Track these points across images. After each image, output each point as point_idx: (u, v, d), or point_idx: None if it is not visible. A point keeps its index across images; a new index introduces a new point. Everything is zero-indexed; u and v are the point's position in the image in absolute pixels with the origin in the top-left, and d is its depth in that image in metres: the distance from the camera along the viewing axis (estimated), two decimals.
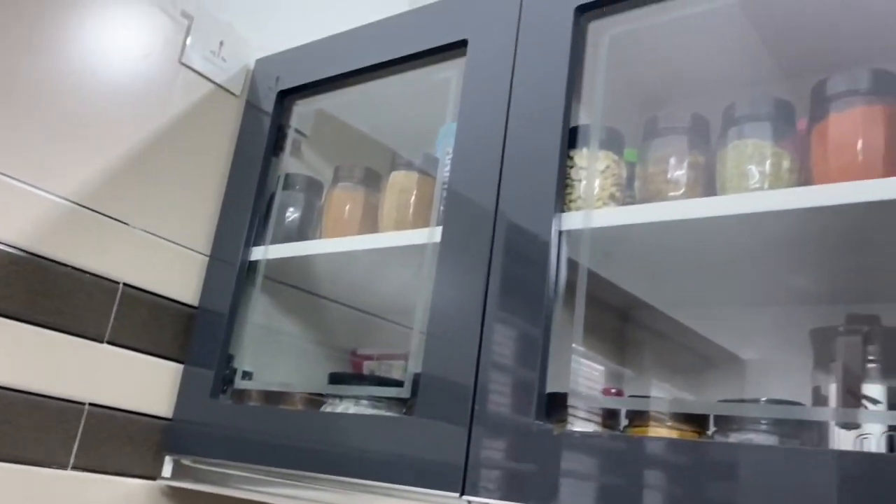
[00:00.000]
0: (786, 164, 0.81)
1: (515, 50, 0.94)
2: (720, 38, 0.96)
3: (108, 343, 1.07)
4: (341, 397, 1.00)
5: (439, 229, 0.94)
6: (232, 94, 1.26)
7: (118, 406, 1.08)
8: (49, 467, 1.00)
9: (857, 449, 0.67)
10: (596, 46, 0.92)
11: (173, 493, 1.13)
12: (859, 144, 0.75)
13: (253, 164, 1.21)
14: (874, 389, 0.68)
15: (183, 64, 1.19)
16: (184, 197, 1.18)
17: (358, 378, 1.09)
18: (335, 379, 1.05)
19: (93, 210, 1.06)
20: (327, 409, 1.02)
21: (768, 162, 0.80)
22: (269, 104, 1.24)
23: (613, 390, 1.02)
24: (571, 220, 0.85)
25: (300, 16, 1.41)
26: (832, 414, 0.68)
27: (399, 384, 0.95)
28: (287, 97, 1.24)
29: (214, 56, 1.23)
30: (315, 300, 1.31)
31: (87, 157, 1.06)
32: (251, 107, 1.26)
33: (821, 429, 0.72)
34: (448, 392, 0.84)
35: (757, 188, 0.79)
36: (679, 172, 0.86)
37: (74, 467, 1.02)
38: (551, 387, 0.80)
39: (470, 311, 0.86)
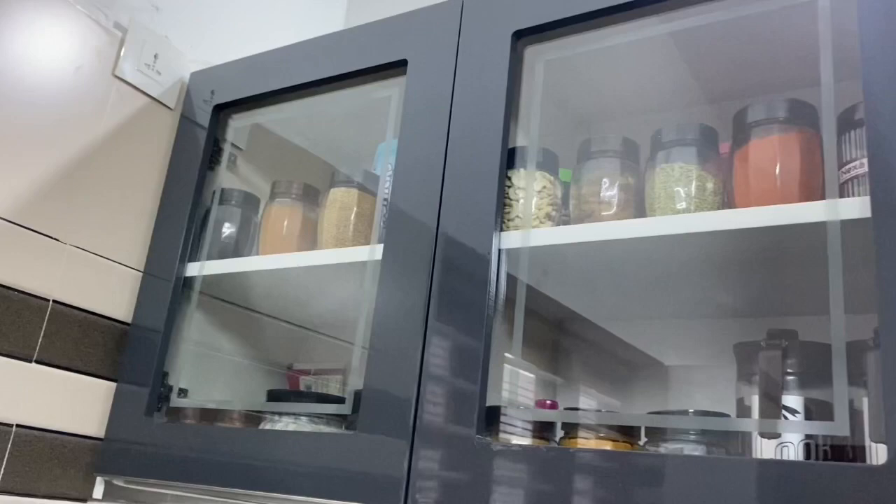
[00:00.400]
0: (710, 186, 0.85)
1: (455, 71, 0.97)
2: (649, 65, 1.00)
3: (37, 362, 1.04)
4: (280, 414, 1.00)
5: (380, 247, 0.95)
6: (166, 107, 1.25)
7: (47, 427, 1.05)
8: None
9: (777, 457, 0.72)
10: (532, 70, 0.95)
11: None
12: (777, 169, 0.80)
13: (188, 178, 1.20)
14: (792, 400, 0.73)
15: (116, 77, 1.17)
16: (116, 212, 1.16)
17: (296, 395, 1.09)
18: (274, 396, 1.05)
19: (21, 226, 1.04)
20: (266, 426, 1.02)
21: (694, 184, 0.85)
22: (204, 118, 1.23)
23: (548, 402, 1.05)
24: (510, 239, 0.88)
25: (236, 29, 1.41)
26: (755, 425, 0.72)
27: (340, 400, 0.96)
28: (223, 111, 1.23)
29: (149, 69, 1.22)
30: (250, 316, 1.31)
31: (16, 171, 1.03)
32: (186, 120, 1.24)
33: (744, 438, 0.77)
34: (390, 407, 0.85)
35: (684, 209, 0.84)
36: (611, 193, 0.90)
37: (2, 491, 0.99)
38: (489, 399, 0.83)
39: (411, 328, 0.87)
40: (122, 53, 1.18)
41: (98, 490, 1.08)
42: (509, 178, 0.93)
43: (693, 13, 0.87)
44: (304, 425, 1.00)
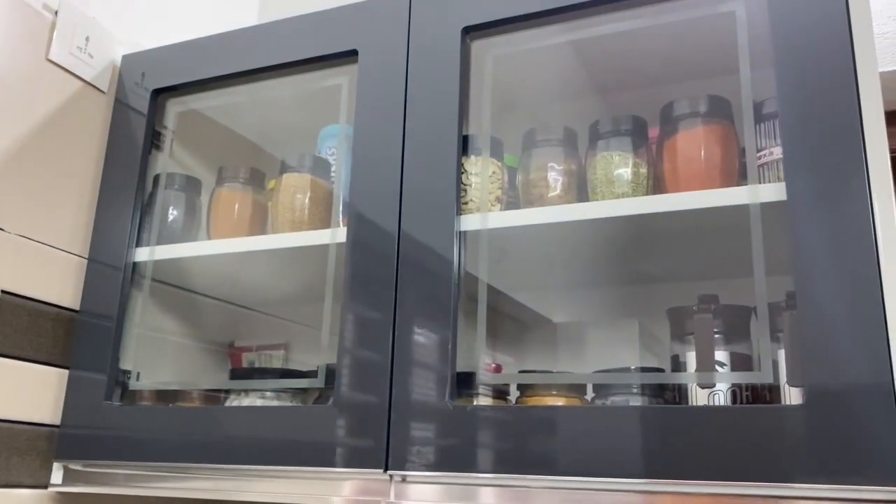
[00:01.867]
0: (643, 171, 0.97)
1: (407, 63, 1.03)
2: (569, 61, 1.11)
3: None
4: (248, 391, 1.05)
5: (342, 230, 1.01)
6: (99, 90, 1.24)
7: (1, 416, 1.05)
8: None
9: (710, 403, 0.85)
10: (481, 64, 1.03)
11: (64, 499, 1.12)
12: (702, 157, 0.93)
13: (127, 162, 1.20)
14: (720, 355, 0.86)
15: (49, 60, 1.15)
16: (57, 198, 1.15)
17: (263, 371, 1.14)
18: (238, 374, 1.09)
19: None
20: (233, 404, 1.06)
21: (630, 170, 0.96)
22: (136, 101, 1.23)
23: (493, 365, 1.16)
24: (469, 222, 0.96)
25: (163, 8, 1.40)
26: (695, 377, 0.85)
27: (305, 375, 1.01)
28: (161, 95, 1.24)
29: (81, 52, 1.20)
30: (192, 297, 1.33)
31: None
32: (120, 104, 1.24)
33: (680, 389, 0.90)
34: (365, 379, 0.93)
35: (623, 193, 0.95)
36: (556, 178, 1.00)
37: None
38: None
39: (381, 304, 0.94)
40: (54, 36, 1.16)
41: (57, 476, 1.09)
42: (461, 165, 1.01)
43: (622, 17, 0.98)
44: (269, 401, 1.05)
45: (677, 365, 0.91)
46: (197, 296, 1.34)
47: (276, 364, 1.38)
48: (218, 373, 1.39)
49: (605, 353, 1.16)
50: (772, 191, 0.83)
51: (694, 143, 0.94)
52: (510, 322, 1.28)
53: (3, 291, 1.06)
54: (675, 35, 1.02)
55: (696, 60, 1.06)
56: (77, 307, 1.16)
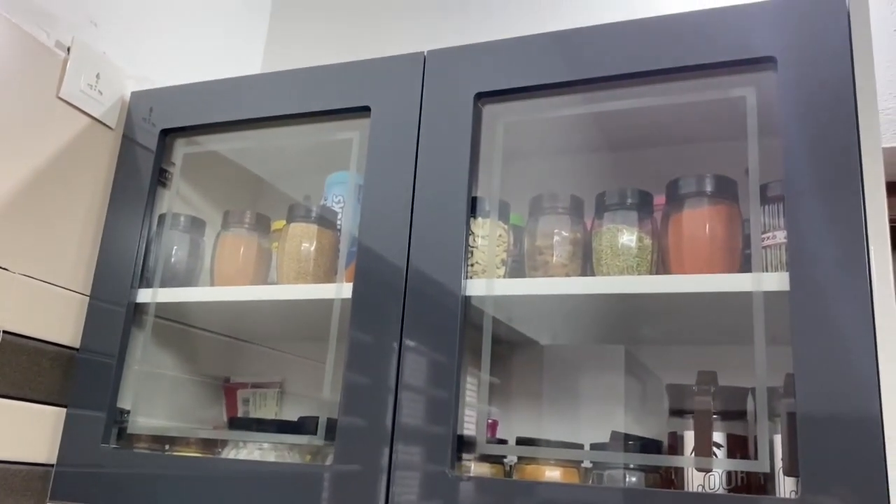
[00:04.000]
0: (647, 243, 0.98)
1: (419, 123, 1.04)
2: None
3: None
4: (245, 442, 1.05)
5: (348, 286, 1.02)
6: (108, 127, 1.24)
7: None
8: None
9: (705, 482, 0.87)
10: (492, 128, 1.04)
11: None
12: (706, 237, 0.94)
13: (133, 200, 1.20)
14: (718, 436, 0.88)
15: (60, 98, 1.16)
16: (61, 236, 1.15)
17: (261, 423, 1.14)
18: (237, 424, 1.09)
19: None
20: (231, 453, 1.07)
21: (635, 243, 0.97)
22: (144, 137, 1.23)
23: (490, 421, 1.17)
24: (475, 287, 0.97)
25: (173, 45, 1.40)
26: (693, 462, 0.87)
27: (311, 431, 1.02)
28: (169, 135, 1.24)
29: (91, 89, 1.20)
30: (190, 331, 1.33)
31: None
32: (128, 140, 1.24)
33: (678, 467, 0.91)
34: (366, 441, 0.93)
35: (628, 265, 0.96)
36: (562, 246, 1.01)
37: None
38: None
39: (385, 365, 0.95)
40: (65, 74, 1.16)
41: None
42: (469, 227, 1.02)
43: (633, 94, 0.99)
44: (267, 452, 1.06)
45: (675, 441, 0.92)
46: (195, 330, 1.34)
47: (271, 402, 1.39)
48: (213, 408, 1.40)
49: (590, 378, 1.18)
50: (775, 280, 0.85)
51: (699, 222, 0.95)
52: (496, 343, 1.29)
53: (6, 332, 1.06)
54: (685, 110, 1.04)
55: (706, 132, 1.08)
56: (77, 345, 1.16)
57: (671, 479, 0.92)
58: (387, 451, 0.92)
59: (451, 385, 0.92)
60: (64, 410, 1.13)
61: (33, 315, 1.10)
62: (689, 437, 0.89)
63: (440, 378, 0.93)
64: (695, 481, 0.88)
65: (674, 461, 0.90)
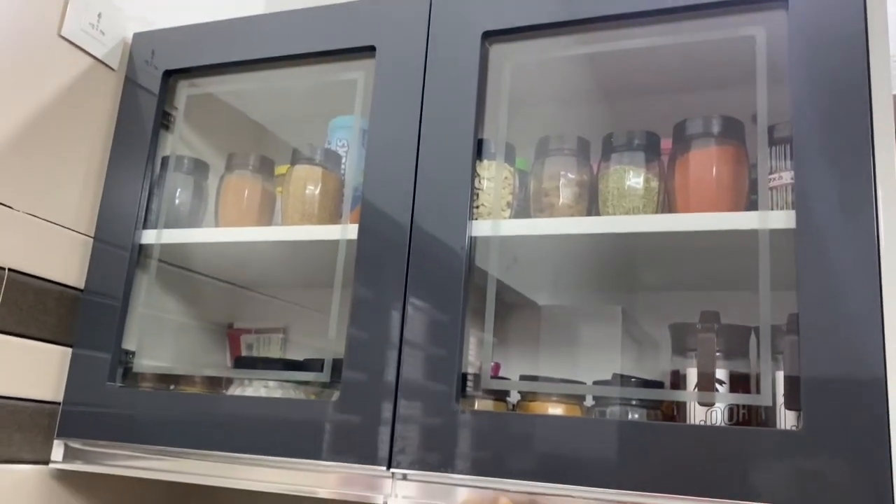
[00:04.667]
0: (654, 185, 0.98)
1: (425, 64, 1.03)
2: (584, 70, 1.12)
3: None
4: (251, 380, 1.06)
5: (353, 227, 1.02)
6: (110, 68, 1.23)
7: (5, 393, 1.06)
8: None
9: (707, 418, 0.88)
10: (499, 69, 1.04)
11: (63, 476, 1.13)
12: (713, 178, 0.94)
13: (136, 142, 1.19)
14: (720, 373, 0.89)
15: (61, 37, 1.14)
16: (65, 176, 1.15)
17: (264, 362, 1.15)
18: (242, 363, 1.10)
19: None
20: (236, 391, 1.08)
21: (642, 185, 0.98)
22: (147, 80, 1.22)
23: (493, 364, 1.18)
24: (480, 228, 0.98)
25: None
26: (696, 396, 0.88)
27: (309, 366, 1.03)
28: (172, 77, 1.23)
29: (93, 28, 1.19)
30: (194, 277, 1.34)
31: None
32: (130, 82, 1.23)
33: (679, 403, 0.93)
34: (372, 377, 0.94)
35: (634, 206, 0.96)
36: (568, 188, 1.01)
37: None
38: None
39: (390, 305, 0.96)
40: (67, 12, 1.15)
41: (57, 453, 1.11)
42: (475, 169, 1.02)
43: (640, 33, 0.98)
44: (272, 390, 1.07)
45: (677, 379, 0.93)
46: (199, 276, 1.34)
47: (275, 347, 1.40)
48: (217, 353, 1.41)
49: (587, 337, 1.19)
50: (781, 218, 0.85)
51: (706, 162, 0.95)
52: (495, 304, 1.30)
53: (11, 270, 1.06)
54: (692, 51, 1.03)
55: (712, 76, 1.08)
56: (81, 286, 1.16)
57: (673, 416, 0.93)
58: (392, 387, 0.93)
59: (458, 321, 0.93)
60: (69, 350, 1.14)
61: (38, 254, 1.10)
62: (692, 375, 0.90)
63: (447, 315, 0.93)
64: (696, 416, 0.89)
65: (676, 395, 0.91)
